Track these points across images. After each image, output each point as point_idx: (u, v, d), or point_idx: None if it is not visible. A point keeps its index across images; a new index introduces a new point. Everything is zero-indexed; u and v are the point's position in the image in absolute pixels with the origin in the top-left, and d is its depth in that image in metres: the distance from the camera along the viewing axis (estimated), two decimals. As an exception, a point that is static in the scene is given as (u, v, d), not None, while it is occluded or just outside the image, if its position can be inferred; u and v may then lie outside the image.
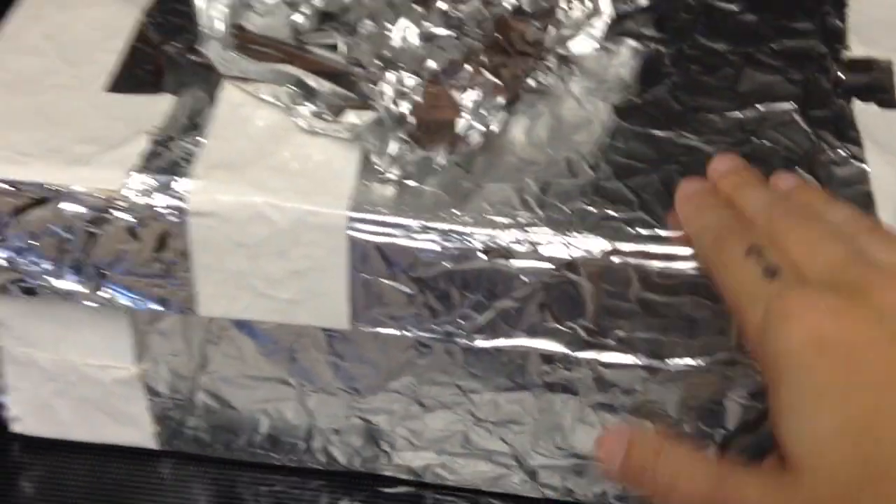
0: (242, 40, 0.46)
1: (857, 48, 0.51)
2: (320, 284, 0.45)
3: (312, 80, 0.45)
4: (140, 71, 0.49)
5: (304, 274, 0.45)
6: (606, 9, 0.50)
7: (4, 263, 0.46)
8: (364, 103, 0.44)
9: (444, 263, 0.44)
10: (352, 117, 0.44)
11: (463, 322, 0.45)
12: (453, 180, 0.45)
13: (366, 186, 0.44)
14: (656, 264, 0.43)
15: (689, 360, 0.45)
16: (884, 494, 0.33)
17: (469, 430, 0.52)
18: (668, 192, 0.44)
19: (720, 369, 0.45)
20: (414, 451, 0.53)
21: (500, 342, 0.46)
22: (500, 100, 0.45)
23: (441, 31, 0.45)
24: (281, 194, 0.44)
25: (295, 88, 0.46)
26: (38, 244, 0.46)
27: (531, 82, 0.48)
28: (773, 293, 0.36)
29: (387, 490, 0.54)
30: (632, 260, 0.43)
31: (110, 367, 0.52)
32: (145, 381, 0.52)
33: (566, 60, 0.50)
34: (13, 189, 0.44)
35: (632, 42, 0.51)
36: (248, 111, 0.47)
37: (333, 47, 0.46)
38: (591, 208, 0.44)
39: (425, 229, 0.43)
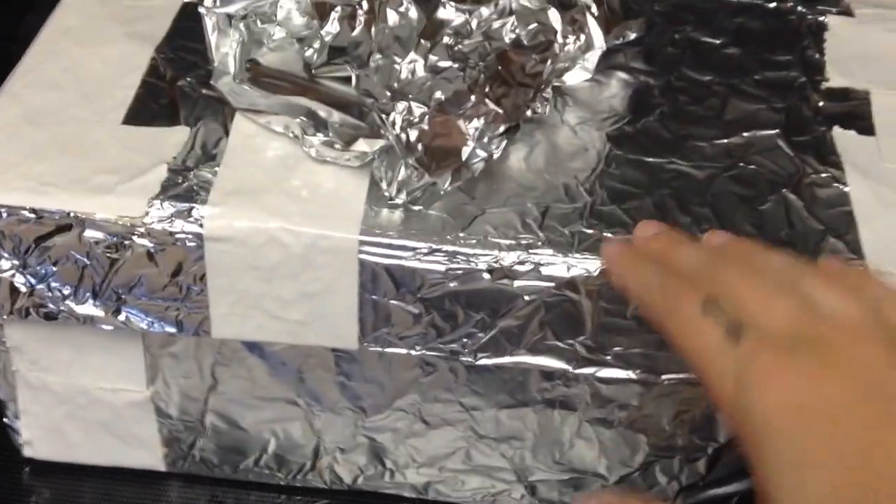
0: (256, 74, 0.49)
1: (835, 79, 0.54)
2: (330, 306, 0.47)
3: (323, 111, 0.48)
4: (155, 105, 0.51)
5: (315, 296, 0.47)
6: (599, 42, 0.52)
7: (25, 289, 0.48)
8: (374, 132, 0.46)
9: (449, 284, 0.46)
10: (362, 146, 0.46)
11: (467, 340, 0.47)
12: (457, 205, 0.47)
13: (374, 211, 0.46)
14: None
15: (682, 375, 0.47)
16: None
17: (471, 446, 0.54)
18: (661, 215, 0.47)
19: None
20: (417, 468, 0.55)
21: (503, 360, 0.48)
22: (502, 128, 0.47)
23: (446, 64, 0.47)
24: (294, 219, 0.46)
25: (306, 119, 0.48)
26: (58, 270, 0.47)
27: (528, 112, 0.50)
28: (742, 358, 0.35)
29: (389, 508, 0.56)
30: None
31: (122, 391, 0.53)
32: (155, 403, 0.54)
33: (560, 91, 0.53)
34: (36, 217, 0.46)
35: (622, 74, 0.54)
36: (260, 141, 0.49)
37: (344, 80, 0.48)
38: (588, 230, 0.46)
39: (432, 251, 0.46)
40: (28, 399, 0.54)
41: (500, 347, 0.47)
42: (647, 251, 0.42)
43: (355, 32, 0.48)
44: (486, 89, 0.47)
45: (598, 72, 0.53)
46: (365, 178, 0.47)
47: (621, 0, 0.55)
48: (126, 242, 0.46)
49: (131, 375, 0.53)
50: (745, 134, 0.51)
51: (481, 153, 0.47)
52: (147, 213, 0.46)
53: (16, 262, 0.47)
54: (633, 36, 0.55)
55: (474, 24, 0.49)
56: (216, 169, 0.48)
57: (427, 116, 0.45)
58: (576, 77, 0.53)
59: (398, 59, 0.47)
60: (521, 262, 0.45)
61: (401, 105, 0.45)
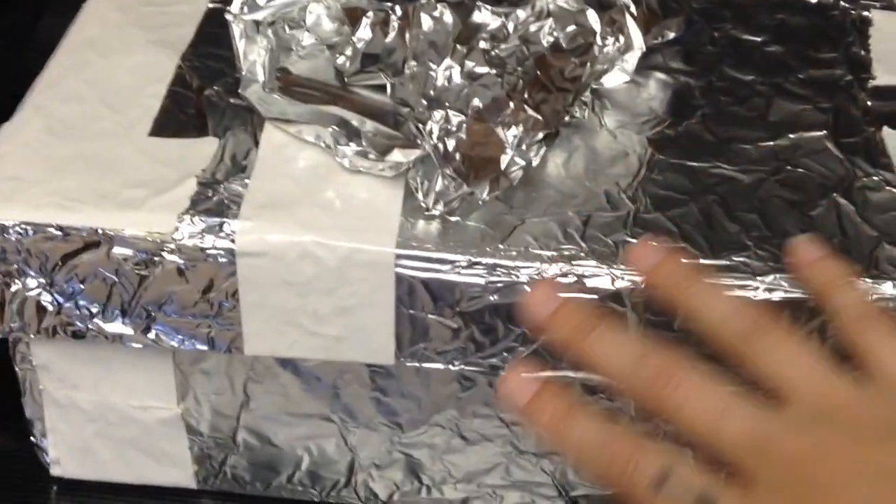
0: (286, 83, 0.47)
1: (882, 76, 0.52)
2: (366, 321, 0.46)
3: (356, 120, 0.46)
4: (182, 115, 0.50)
5: (351, 311, 0.46)
6: (638, 43, 0.51)
7: (52, 308, 0.47)
8: (409, 141, 0.45)
9: (489, 297, 0.44)
10: (397, 156, 0.45)
11: (507, 355, 0.46)
12: (496, 215, 0.46)
13: (411, 223, 0.45)
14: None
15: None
16: None
17: (511, 461, 0.52)
18: (707, 223, 0.45)
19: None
20: (454, 484, 0.54)
21: (545, 374, 0.46)
22: (540, 134, 0.45)
23: (483, 70, 0.46)
24: (328, 233, 0.45)
25: (337, 129, 0.47)
26: (86, 288, 0.46)
27: (566, 117, 0.49)
28: None
29: (426, 524, 0.55)
30: (676, 290, 0.44)
31: (152, 408, 0.52)
32: (186, 420, 0.53)
33: (598, 94, 0.51)
34: (63, 234, 0.45)
35: (661, 75, 0.52)
36: (291, 151, 0.48)
37: (378, 88, 0.47)
38: (633, 240, 0.45)
39: (471, 264, 0.44)
40: (55, 417, 0.53)
41: (542, 362, 0.46)
42: (554, 386, 0.36)
43: (389, 39, 0.47)
44: (525, 95, 0.45)
45: (636, 73, 0.52)
46: (399, 189, 0.46)
47: (659, -2, 0.53)
48: (156, 259, 0.45)
49: (161, 393, 0.52)
50: (791, 136, 0.49)
51: (520, 161, 0.45)
52: (177, 229, 0.45)
53: (42, 281, 0.46)
54: (671, 35, 0.53)
55: (511, 27, 0.48)
56: (246, 181, 0.46)
57: (465, 125, 0.44)
58: (614, 79, 0.52)
59: (434, 66, 0.46)
60: (564, 275, 0.44)
61: (438, 114, 0.44)
